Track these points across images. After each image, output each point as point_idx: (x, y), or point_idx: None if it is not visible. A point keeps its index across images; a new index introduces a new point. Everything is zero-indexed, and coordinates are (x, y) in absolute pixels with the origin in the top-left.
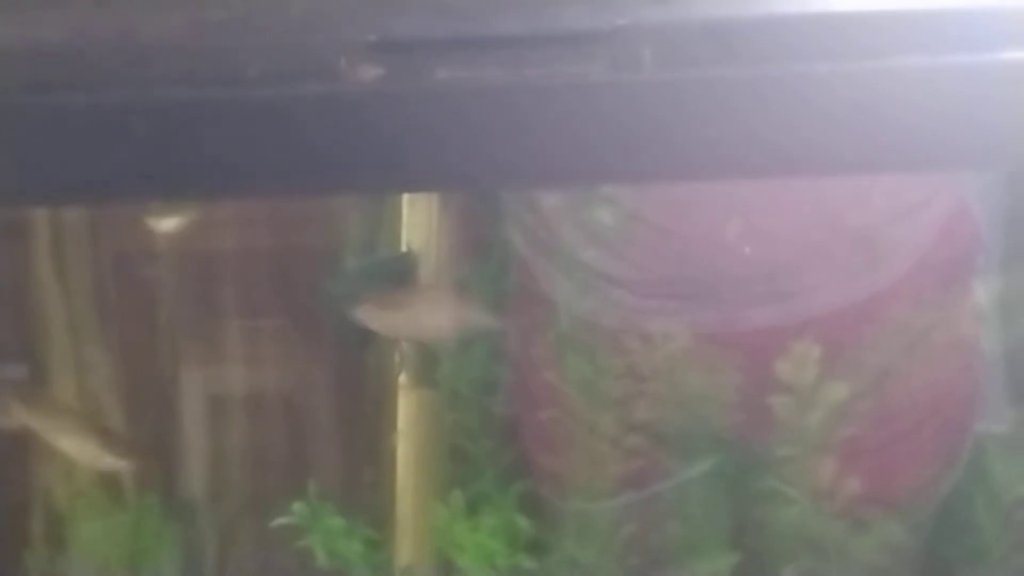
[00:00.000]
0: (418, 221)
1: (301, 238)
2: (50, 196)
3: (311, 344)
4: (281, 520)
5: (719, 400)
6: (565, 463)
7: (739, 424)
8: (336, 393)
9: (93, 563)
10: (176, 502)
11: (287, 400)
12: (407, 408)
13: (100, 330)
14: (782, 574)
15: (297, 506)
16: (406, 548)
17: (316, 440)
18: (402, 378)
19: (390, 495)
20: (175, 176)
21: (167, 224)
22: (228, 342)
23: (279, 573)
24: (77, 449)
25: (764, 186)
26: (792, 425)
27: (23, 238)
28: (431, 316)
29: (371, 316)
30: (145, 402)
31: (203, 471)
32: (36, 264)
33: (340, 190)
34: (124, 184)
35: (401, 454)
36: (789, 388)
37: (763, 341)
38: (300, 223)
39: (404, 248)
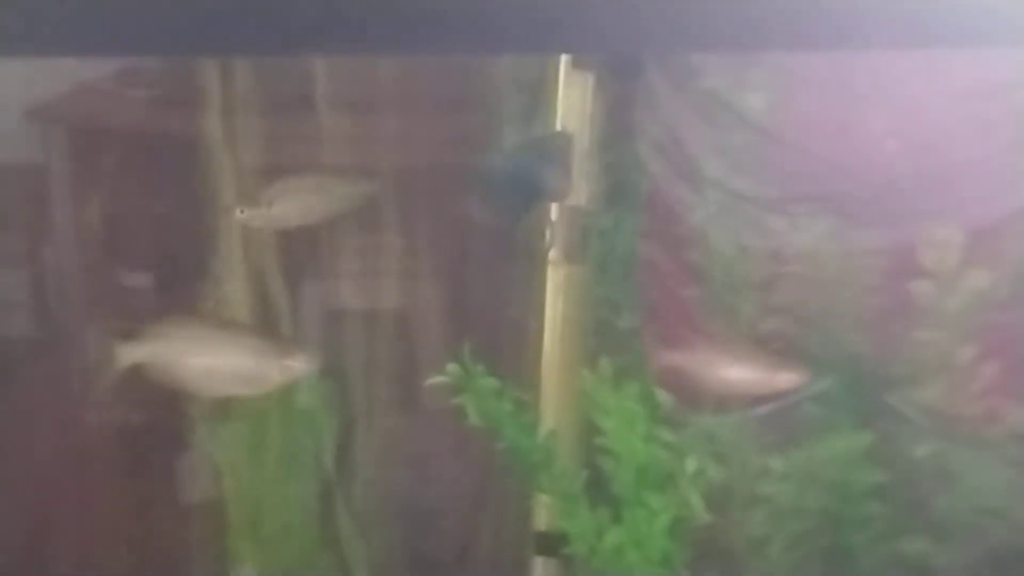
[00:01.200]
0: (573, 103)
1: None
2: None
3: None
4: (437, 379)
5: (859, 284)
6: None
7: (877, 320)
8: (491, 265)
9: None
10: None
11: (446, 270)
12: (555, 281)
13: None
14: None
15: (451, 366)
16: (551, 412)
17: (471, 309)
18: (552, 253)
19: (538, 362)
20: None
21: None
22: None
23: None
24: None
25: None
26: (932, 310)
27: None
28: None
29: None
30: None
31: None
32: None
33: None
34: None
35: (549, 324)
36: (930, 273)
37: (907, 229)
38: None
39: (559, 128)
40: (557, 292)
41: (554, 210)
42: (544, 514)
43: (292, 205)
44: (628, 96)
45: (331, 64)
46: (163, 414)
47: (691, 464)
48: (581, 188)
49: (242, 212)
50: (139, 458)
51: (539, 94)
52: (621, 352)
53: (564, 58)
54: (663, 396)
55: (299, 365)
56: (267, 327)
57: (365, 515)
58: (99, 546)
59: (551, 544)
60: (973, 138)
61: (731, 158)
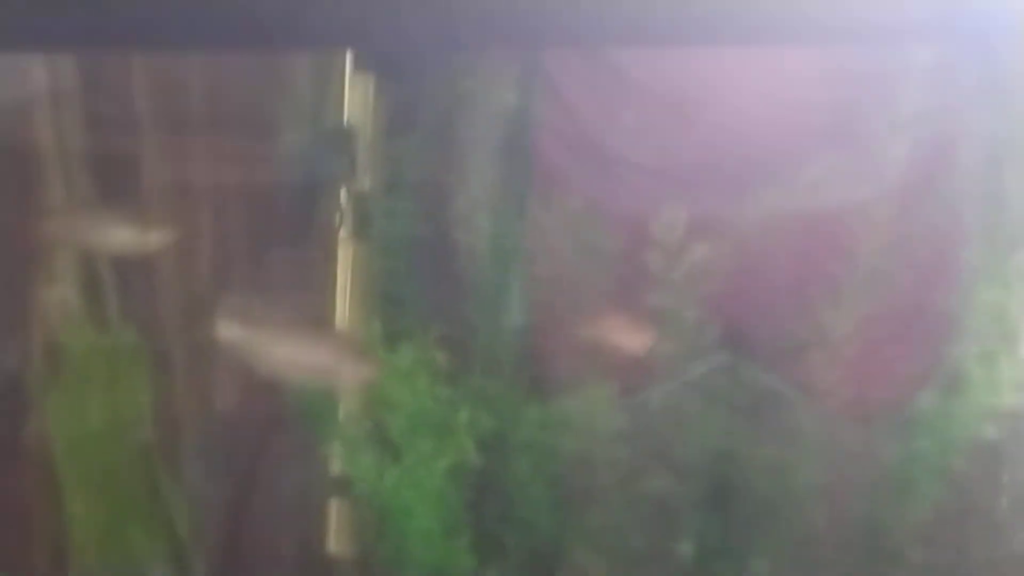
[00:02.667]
0: (356, 101)
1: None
2: None
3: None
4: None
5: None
6: None
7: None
8: (291, 243)
9: None
10: None
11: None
12: (345, 257)
13: None
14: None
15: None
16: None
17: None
18: (342, 232)
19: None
20: None
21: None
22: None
23: None
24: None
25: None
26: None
27: None
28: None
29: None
30: None
31: None
32: None
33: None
34: None
35: (340, 293)
36: (659, 245)
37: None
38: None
39: (344, 122)
40: (346, 266)
41: (343, 195)
42: (336, 461)
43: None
44: (405, 94)
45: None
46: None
47: (464, 415)
48: (365, 176)
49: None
50: None
51: (326, 92)
52: (401, 318)
53: (348, 60)
54: (440, 356)
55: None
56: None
57: (185, 475)
58: None
59: (341, 486)
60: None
61: (491, 149)
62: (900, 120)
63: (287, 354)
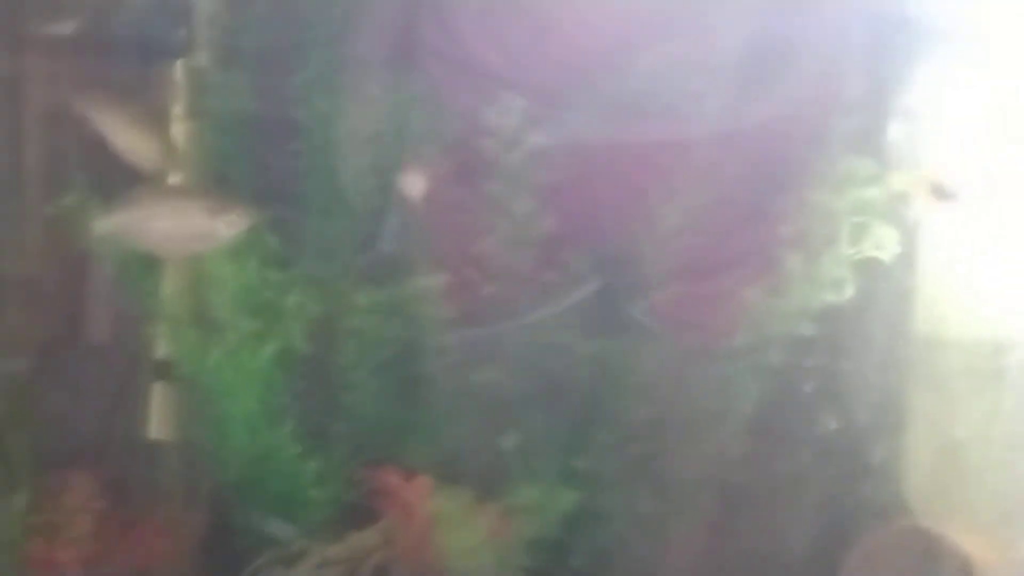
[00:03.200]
0: None
1: None
2: None
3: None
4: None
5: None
6: None
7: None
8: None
9: None
10: None
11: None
12: (178, 134)
13: None
14: None
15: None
16: None
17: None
18: (175, 109)
19: None
20: None
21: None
22: None
23: None
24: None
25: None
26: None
27: None
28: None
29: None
30: None
31: None
32: None
33: None
34: None
35: (172, 169)
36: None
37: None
38: None
39: None
40: (179, 142)
41: (177, 69)
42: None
43: None
44: None
45: None
46: None
47: (293, 299)
48: (202, 50)
49: None
50: None
51: None
52: (232, 197)
53: None
54: (273, 241)
55: (241, 219)
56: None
57: None
58: None
59: (165, 369)
60: None
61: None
62: (735, 14)
63: (165, 227)
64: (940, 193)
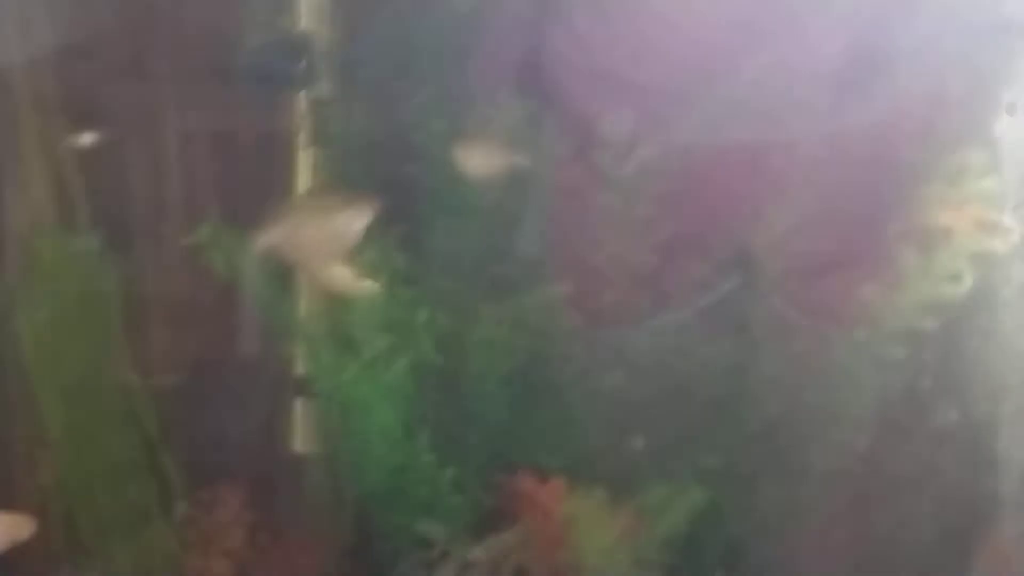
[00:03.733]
0: (312, 6)
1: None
2: None
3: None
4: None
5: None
6: None
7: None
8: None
9: None
10: None
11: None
12: (304, 161)
13: None
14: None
15: (203, 227)
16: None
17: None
18: (301, 137)
19: None
20: None
21: None
22: None
23: None
24: None
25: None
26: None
27: None
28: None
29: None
30: None
31: None
32: None
33: None
34: None
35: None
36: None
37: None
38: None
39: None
40: (306, 171)
41: (301, 101)
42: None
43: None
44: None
45: None
46: None
47: (423, 314)
48: (323, 81)
49: None
50: None
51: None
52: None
53: None
54: (399, 258)
55: (369, 206)
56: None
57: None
58: None
59: (305, 385)
60: None
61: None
62: (843, 15)
63: (312, 234)
64: None
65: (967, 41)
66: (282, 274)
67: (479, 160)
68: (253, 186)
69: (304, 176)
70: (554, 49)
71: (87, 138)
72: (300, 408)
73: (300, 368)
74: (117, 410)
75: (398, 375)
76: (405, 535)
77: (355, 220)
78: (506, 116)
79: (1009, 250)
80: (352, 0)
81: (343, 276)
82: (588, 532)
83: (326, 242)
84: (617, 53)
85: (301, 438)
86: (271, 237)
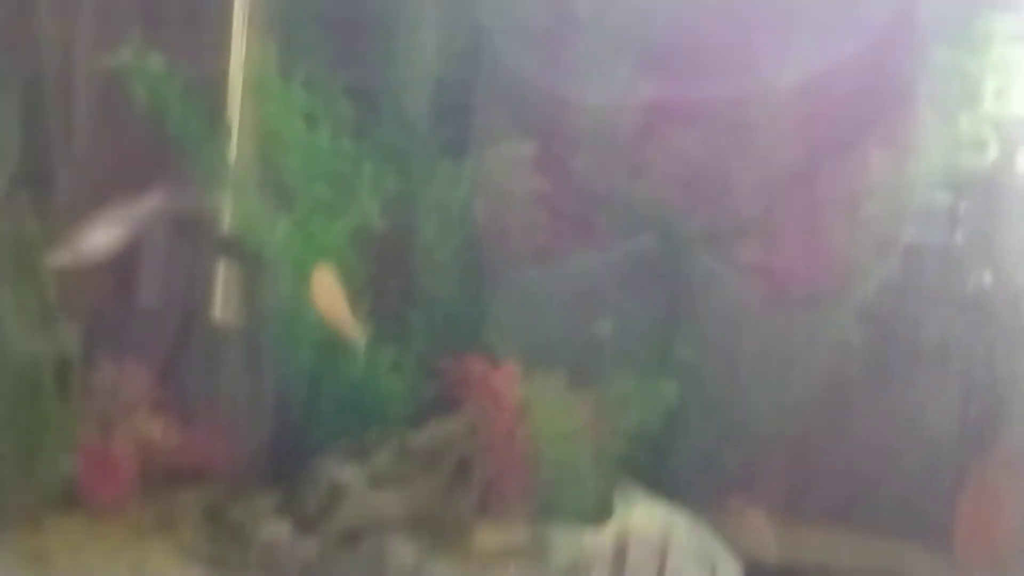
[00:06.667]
0: None
1: None
2: None
3: None
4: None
5: None
6: None
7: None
8: None
9: None
10: None
11: None
12: None
13: None
14: None
15: (122, 50)
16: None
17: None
18: None
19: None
20: None
21: None
22: None
23: None
24: None
25: None
26: None
27: None
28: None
29: None
30: None
31: None
32: None
33: None
34: None
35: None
36: None
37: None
38: None
39: None
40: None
41: None
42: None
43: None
44: None
45: None
46: None
47: (368, 169)
48: None
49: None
50: None
51: None
52: (303, 61)
53: None
54: (346, 106)
55: None
56: None
57: None
58: None
59: (230, 245)
60: None
61: None
62: None
63: None
64: None
65: None
66: (212, 110)
67: None
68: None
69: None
70: None
71: None
72: (223, 271)
73: (226, 224)
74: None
75: (337, 237)
76: (335, 420)
77: None
78: None
79: None
80: None
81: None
82: (544, 421)
83: None
84: None
85: (222, 306)
86: None
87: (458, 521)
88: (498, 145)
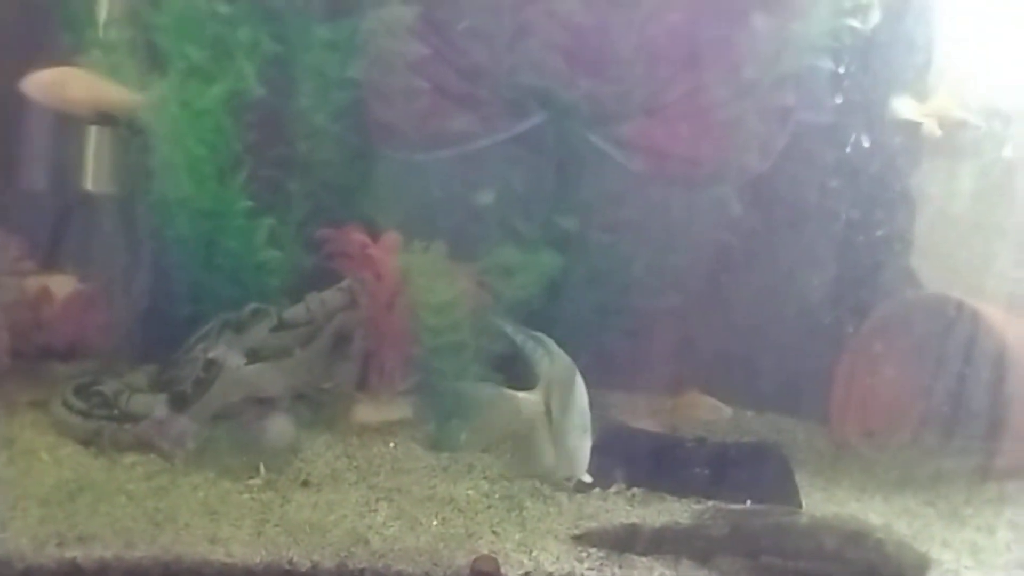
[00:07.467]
0: None
1: None
2: None
3: None
4: None
5: None
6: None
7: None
8: None
9: None
10: None
11: None
12: None
13: None
14: None
15: None
16: None
17: None
18: None
19: None
20: None
21: None
22: None
23: None
24: None
25: None
26: None
27: None
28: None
29: None
30: None
31: None
32: None
33: None
34: None
35: None
36: None
37: None
38: None
39: None
40: None
41: None
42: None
43: None
44: None
45: None
46: None
47: (245, 32)
48: None
49: None
50: None
51: None
52: None
53: None
54: None
55: None
56: None
57: None
58: None
59: (106, 118)
60: None
61: None
62: None
63: None
64: None
65: None
66: None
67: None
68: None
69: None
70: None
71: None
72: (94, 139)
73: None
74: None
75: (212, 101)
76: (212, 292)
77: None
78: None
79: None
80: None
81: None
82: (425, 289)
83: None
84: None
85: (94, 175)
86: None
87: (337, 395)
88: (379, 8)
